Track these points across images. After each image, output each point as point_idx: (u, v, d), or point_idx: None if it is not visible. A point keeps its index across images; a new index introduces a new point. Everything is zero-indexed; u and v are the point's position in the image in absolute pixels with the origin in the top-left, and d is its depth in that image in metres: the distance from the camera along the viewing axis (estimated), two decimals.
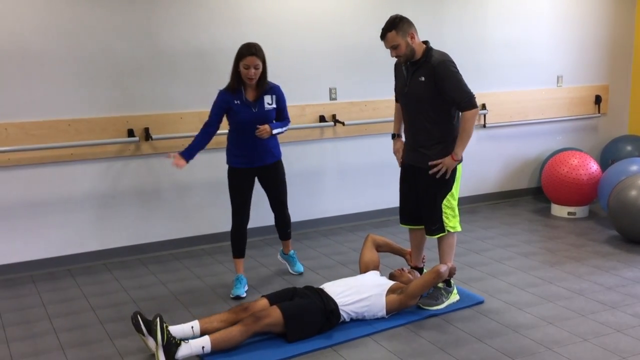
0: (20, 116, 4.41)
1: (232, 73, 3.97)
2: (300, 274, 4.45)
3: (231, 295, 4.09)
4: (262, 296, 3.61)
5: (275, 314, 3.35)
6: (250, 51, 3.86)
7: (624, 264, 4.55)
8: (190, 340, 3.21)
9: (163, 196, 4.96)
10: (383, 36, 3.63)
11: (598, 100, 6.77)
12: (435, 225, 3.80)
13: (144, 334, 3.24)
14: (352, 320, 3.60)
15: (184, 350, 3.16)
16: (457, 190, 3.83)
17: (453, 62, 3.65)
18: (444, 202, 3.77)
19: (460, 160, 3.74)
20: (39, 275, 4.55)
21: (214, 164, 5.08)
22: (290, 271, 4.49)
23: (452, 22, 5.84)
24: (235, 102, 3.96)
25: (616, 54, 6.85)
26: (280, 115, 4.14)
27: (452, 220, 3.82)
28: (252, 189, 4.19)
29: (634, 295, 3.97)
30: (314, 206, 5.49)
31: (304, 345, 3.35)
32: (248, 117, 3.96)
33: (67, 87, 4.51)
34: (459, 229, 3.89)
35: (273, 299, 3.55)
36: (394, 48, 3.61)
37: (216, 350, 3.22)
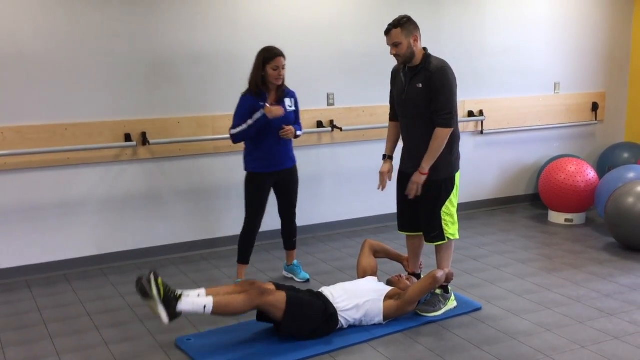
0: (17, 120, 4.39)
1: (254, 77, 3.99)
2: (307, 280, 4.44)
3: None
4: (270, 281, 3.64)
5: (280, 296, 3.37)
6: (277, 52, 3.95)
7: (621, 271, 4.54)
8: (191, 294, 3.22)
9: (160, 201, 4.94)
10: (388, 32, 3.65)
11: (595, 107, 6.79)
12: (434, 232, 3.80)
13: (150, 298, 3.15)
14: (349, 326, 3.59)
15: (184, 304, 3.18)
16: (456, 197, 3.83)
17: (452, 71, 3.65)
18: (443, 209, 3.76)
19: (427, 174, 3.67)
20: (35, 280, 4.52)
21: (211, 170, 5.08)
22: (297, 279, 4.47)
23: (450, 28, 5.85)
24: (261, 104, 3.98)
25: (613, 62, 6.87)
26: (297, 120, 4.21)
27: (451, 227, 3.82)
28: (268, 194, 4.23)
29: (631, 302, 3.97)
30: (312, 212, 5.48)
31: (300, 351, 3.34)
32: (272, 119, 3.96)
33: (64, 91, 4.50)
34: (457, 236, 3.88)
35: (279, 286, 3.58)
36: (395, 45, 3.62)
37: (217, 313, 3.24)
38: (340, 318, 3.53)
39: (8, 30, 4.29)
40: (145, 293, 3.16)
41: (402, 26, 3.59)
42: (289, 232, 4.44)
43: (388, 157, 3.99)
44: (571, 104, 6.66)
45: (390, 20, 3.70)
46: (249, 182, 4.18)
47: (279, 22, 5.13)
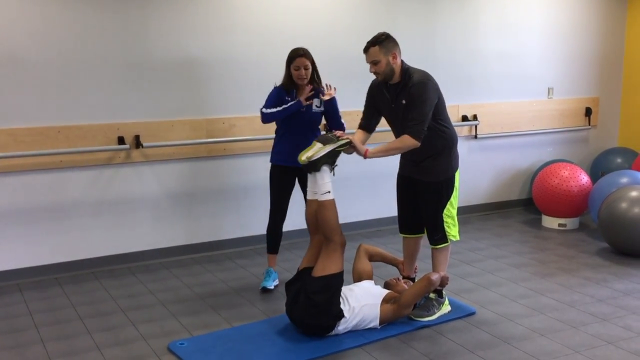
0: (9, 122, 4.37)
1: (285, 75, 4.18)
2: None
3: (260, 287, 4.28)
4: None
5: (342, 263, 3.60)
6: (298, 53, 4.11)
7: (614, 276, 4.55)
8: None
9: (153, 204, 4.92)
10: (366, 50, 3.65)
11: (588, 112, 6.81)
12: (438, 234, 3.81)
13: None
14: (345, 333, 3.58)
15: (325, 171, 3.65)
16: (456, 199, 3.84)
17: (432, 83, 3.61)
18: (445, 211, 3.78)
19: (367, 157, 3.67)
20: (26, 283, 4.49)
21: (204, 173, 5.06)
22: None
23: (444, 33, 5.86)
24: (287, 99, 4.15)
25: (606, 67, 6.90)
26: (333, 120, 4.30)
27: (452, 229, 3.84)
28: (290, 189, 4.33)
29: (624, 307, 3.98)
30: (302, 216, 5.45)
31: (294, 355, 3.33)
32: (296, 116, 4.13)
33: (57, 93, 4.48)
34: (458, 237, 3.90)
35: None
36: (374, 64, 3.62)
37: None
38: (336, 323, 3.51)
39: (1, 33, 4.27)
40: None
41: (381, 44, 3.58)
42: None
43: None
44: (564, 109, 6.68)
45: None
46: (271, 174, 4.33)
47: (273, 28, 5.12)
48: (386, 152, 3.68)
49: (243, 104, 5.07)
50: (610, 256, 5.01)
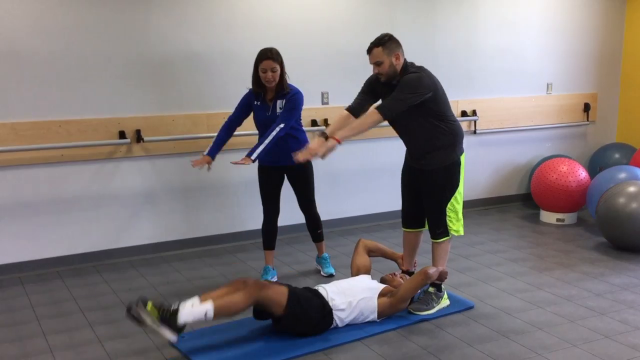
0: (10, 116, 4.38)
1: (252, 77, 4.12)
2: (331, 275, 4.49)
3: None
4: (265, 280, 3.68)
5: (281, 291, 3.39)
6: (266, 55, 4.01)
7: (612, 270, 4.58)
8: (186, 305, 3.18)
9: (154, 198, 4.94)
10: (369, 50, 3.65)
11: (587, 108, 6.83)
12: (440, 228, 3.83)
13: (148, 326, 3.16)
14: (344, 325, 3.60)
15: (184, 316, 3.15)
16: (461, 194, 3.85)
17: (424, 77, 3.57)
18: (448, 205, 3.79)
19: (338, 142, 3.51)
20: (28, 276, 4.51)
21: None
22: (322, 273, 4.55)
23: (443, 29, 5.87)
24: (256, 102, 4.17)
25: (605, 63, 6.91)
26: (281, 118, 4.05)
27: (455, 223, 3.85)
28: (279, 185, 4.36)
29: (622, 301, 4.00)
30: (297, 211, 5.48)
31: (294, 349, 3.35)
32: (262, 118, 4.15)
33: (58, 87, 4.49)
34: (462, 232, 3.91)
35: (279, 283, 3.57)
36: (377, 64, 3.63)
37: (218, 316, 3.22)
38: (334, 317, 3.54)
39: (3, 28, 4.27)
40: (141, 323, 3.16)
41: (384, 45, 3.59)
42: (310, 225, 4.53)
43: (323, 135, 3.63)
44: (563, 105, 6.70)
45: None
46: (259, 174, 4.35)
47: (273, 22, 5.13)
48: (354, 131, 3.57)
49: None
50: (607, 251, 5.04)
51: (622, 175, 5.44)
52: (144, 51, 4.71)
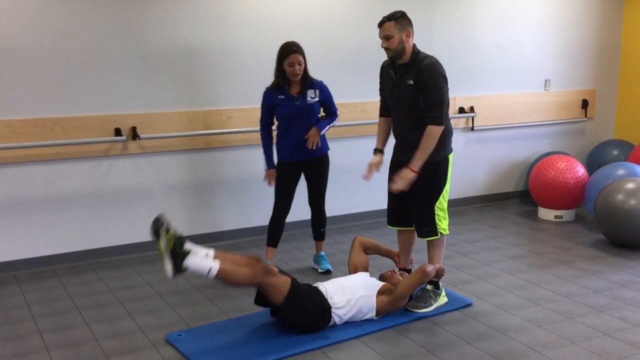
0: (5, 114, 4.35)
1: (276, 72, 4.18)
2: (328, 272, 4.49)
3: None
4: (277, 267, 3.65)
5: (284, 280, 3.41)
6: (292, 49, 4.10)
7: (610, 267, 4.57)
8: (199, 253, 3.25)
9: (150, 196, 4.91)
10: (381, 24, 3.66)
11: (585, 104, 6.82)
12: (427, 227, 3.80)
13: (159, 245, 3.22)
14: (343, 323, 3.58)
15: (192, 262, 3.19)
16: (448, 192, 3.83)
17: (442, 69, 3.64)
18: (437, 204, 3.77)
19: (417, 172, 3.64)
20: (23, 275, 4.49)
21: (202, 165, 5.06)
22: (319, 270, 4.54)
23: (441, 25, 5.85)
24: (280, 97, 4.20)
25: (603, 59, 6.90)
26: (328, 110, 4.33)
27: (443, 222, 3.83)
28: (296, 182, 4.38)
29: (620, 298, 3.99)
30: (301, 208, 5.46)
31: (292, 347, 3.33)
32: (292, 109, 4.19)
33: (53, 84, 4.46)
34: (447, 231, 3.89)
35: (284, 272, 3.58)
36: (387, 38, 3.63)
37: (219, 279, 3.25)
38: (333, 314, 3.52)
39: None
40: (157, 238, 3.22)
41: (396, 20, 3.60)
42: (316, 222, 4.54)
43: (379, 151, 3.98)
44: (561, 101, 6.68)
45: (380, 16, 3.70)
46: (277, 170, 4.35)
47: (270, 18, 5.11)
48: (424, 156, 3.64)
49: (240, 96, 5.06)
50: (606, 248, 5.03)
51: (621, 172, 5.44)
52: (139, 48, 4.69)
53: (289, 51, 4.08)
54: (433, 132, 3.61)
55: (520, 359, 3.21)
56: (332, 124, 4.34)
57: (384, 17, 3.65)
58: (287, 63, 4.09)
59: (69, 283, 4.34)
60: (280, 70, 4.15)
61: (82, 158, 4.64)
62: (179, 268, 3.18)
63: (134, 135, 4.70)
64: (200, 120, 4.95)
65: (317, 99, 4.25)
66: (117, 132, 4.67)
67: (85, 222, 4.72)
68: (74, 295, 4.11)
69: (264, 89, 4.27)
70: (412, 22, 3.73)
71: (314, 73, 5.33)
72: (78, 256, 4.73)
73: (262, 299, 3.52)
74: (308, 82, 4.22)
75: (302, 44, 5.21)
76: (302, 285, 3.57)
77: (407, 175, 3.65)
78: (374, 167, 3.92)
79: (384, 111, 3.98)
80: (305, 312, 3.44)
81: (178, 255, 3.18)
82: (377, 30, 3.70)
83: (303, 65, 4.14)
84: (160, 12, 4.72)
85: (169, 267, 3.17)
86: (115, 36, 4.60)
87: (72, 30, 4.46)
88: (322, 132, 4.27)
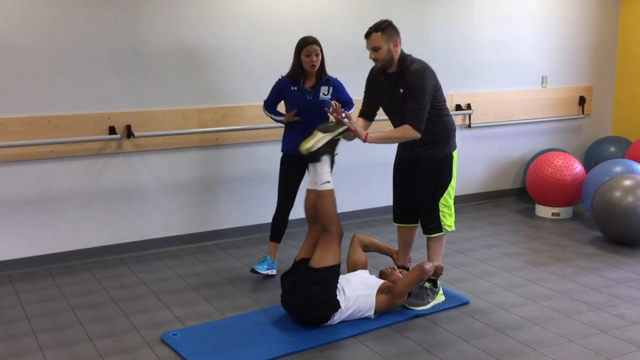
0: None
1: (293, 64, 4.21)
2: None
3: (250, 268, 4.32)
4: None
5: (339, 256, 3.58)
6: (309, 40, 4.14)
7: (608, 264, 4.56)
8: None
9: (145, 195, 4.89)
10: (368, 35, 3.62)
11: (582, 101, 6.81)
12: (432, 223, 3.79)
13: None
14: (340, 321, 3.56)
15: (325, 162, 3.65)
16: (454, 189, 3.82)
17: (429, 72, 3.60)
18: (441, 200, 3.75)
19: (368, 141, 3.61)
20: (17, 274, 4.45)
21: (196, 163, 5.03)
22: None
23: (437, 22, 5.82)
24: (293, 88, 4.21)
25: (600, 56, 6.89)
26: (344, 102, 4.25)
27: (448, 219, 3.82)
28: (300, 177, 4.34)
29: (617, 296, 3.98)
30: (299, 206, 5.44)
31: (288, 346, 3.32)
32: (302, 103, 4.18)
33: (47, 82, 4.43)
34: (454, 227, 3.89)
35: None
36: (374, 50, 3.60)
37: (322, 196, 3.65)
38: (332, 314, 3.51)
39: None
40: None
41: (383, 30, 3.57)
42: None
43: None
44: (558, 98, 6.67)
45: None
46: (281, 163, 4.34)
47: (266, 15, 5.08)
48: (385, 139, 3.70)
49: (235, 94, 5.03)
50: (603, 245, 5.02)
51: (618, 169, 5.42)
52: (134, 45, 4.65)
53: (307, 42, 4.12)
54: (406, 131, 3.56)
55: (518, 357, 3.19)
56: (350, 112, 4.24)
57: (370, 28, 3.61)
58: (304, 53, 4.11)
59: (64, 283, 4.31)
60: (297, 63, 4.16)
61: (76, 157, 4.60)
62: (330, 151, 3.60)
63: (129, 133, 4.67)
64: (195, 118, 4.92)
65: (329, 96, 4.23)
66: (112, 130, 4.64)
67: (79, 221, 4.69)
68: (69, 295, 4.08)
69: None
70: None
71: None
72: (72, 255, 4.69)
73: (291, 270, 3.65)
74: (323, 77, 4.23)
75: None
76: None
77: (359, 135, 3.60)
78: (358, 130, 3.67)
79: (364, 113, 3.92)
80: (323, 293, 3.45)
81: (334, 142, 3.59)
82: None
83: (320, 57, 4.15)
84: (155, 10, 4.68)
85: (324, 141, 3.52)
86: (110, 34, 4.56)
87: (66, 28, 4.42)
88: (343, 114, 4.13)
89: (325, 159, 3.64)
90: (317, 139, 3.56)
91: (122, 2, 4.57)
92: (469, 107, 6.10)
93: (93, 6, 4.48)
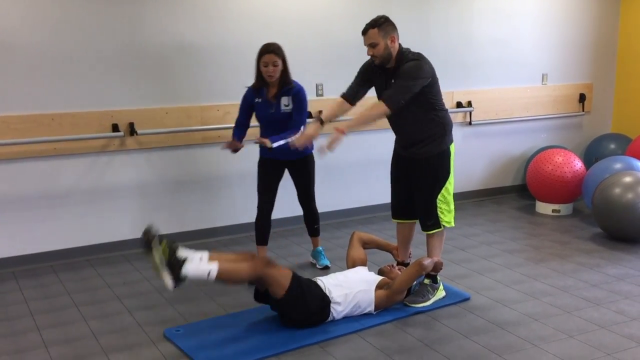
0: (2, 110, 4.34)
1: (255, 73, 4.10)
2: (327, 267, 4.49)
3: None
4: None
5: (285, 273, 3.41)
6: (268, 49, 4.01)
7: (607, 261, 4.58)
8: (194, 259, 3.20)
9: (147, 192, 4.91)
10: (365, 32, 3.61)
11: (582, 98, 6.82)
12: (430, 220, 3.80)
13: (153, 260, 3.16)
14: (341, 318, 3.58)
15: (190, 269, 3.15)
16: (452, 185, 3.83)
17: (425, 65, 3.57)
18: (439, 197, 3.77)
19: (343, 133, 3.47)
20: (21, 271, 4.48)
21: (199, 160, 5.05)
22: (317, 266, 4.53)
23: (438, 20, 5.84)
24: (257, 100, 4.14)
25: (600, 53, 6.90)
26: (293, 119, 4.08)
27: (447, 215, 3.82)
28: (278, 180, 4.33)
29: (617, 292, 4.00)
30: (297, 203, 5.46)
31: (290, 342, 3.34)
32: (266, 117, 4.13)
33: (50, 80, 4.45)
34: (453, 224, 3.89)
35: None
36: (372, 46, 3.59)
37: (220, 279, 3.23)
38: (331, 309, 3.52)
39: None
40: (148, 252, 3.15)
41: (380, 27, 3.56)
42: (308, 220, 4.55)
43: (319, 120, 3.71)
44: (558, 95, 6.68)
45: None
46: (259, 166, 4.32)
47: (267, 13, 5.10)
48: (359, 122, 3.59)
49: (237, 91, 5.01)
50: (603, 241, 5.04)
51: (618, 166, 5.44)
52: (137, 43, 4.67)
53: (265, 51, 3.99)
54: (376, 107, 3.53)
55: (518, 353, 3.21)
56: (288, 139, 3.88)
57: (367, 25, 3.60)
58: (262, 63, 4.00)
59: (67, 279, 4.33)
60: (257, 71, 4.07)
61: (79, 154, 4.63)
62: (178, 278, 3.13)
63: (132, 131, 4.69)
64: (198, 115, 4.94)
65: (290, 106, 4.11)
66: (115, 127, 4.66)
67: (83, 218, 4.72)
68: (72, 292, 4.11)
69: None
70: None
71: (313, 69, 5.35)
72: (76, 252, 4.72)
73: (261, 295, 3.52)
74: (285, 87, 4.08)
75: (298, 40, 5.25)
76: (303, 278, 3.57)
77: (337, 137, 3.48)
78: (306, 138, 3.66)
79: (348, 95, 3.81)
80: (306, 305, 3.44)
81: (175, 265, 3.12)
82: None
83: (279, 67, 4.01)
84: (158, 8, 4.70)
85: (168, 279, 3.11)
86: (113, 32, 4.58)
87: (69, 26, 4.44)
88: (273, 145, 3.96)
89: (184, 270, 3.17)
90: (164, 277, 3.14)
91: (126, 1, 4.58)
92: (469, 104, 6.12)
93: (96, 4, 4.50)
